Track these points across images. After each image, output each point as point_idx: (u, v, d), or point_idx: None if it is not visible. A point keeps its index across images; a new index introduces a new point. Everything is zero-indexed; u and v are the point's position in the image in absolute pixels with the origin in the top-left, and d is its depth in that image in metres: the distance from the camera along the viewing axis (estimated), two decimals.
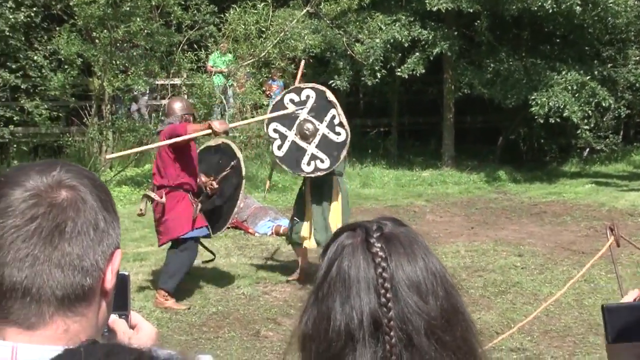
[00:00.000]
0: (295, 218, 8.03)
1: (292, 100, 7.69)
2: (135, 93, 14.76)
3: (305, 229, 7.88)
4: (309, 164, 7.60)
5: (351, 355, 1.28)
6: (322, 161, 7.57)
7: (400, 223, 1.40)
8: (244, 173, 7.91)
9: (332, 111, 7.66)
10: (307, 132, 7.62)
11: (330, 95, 7.72)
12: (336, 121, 7.65)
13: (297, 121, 7.65)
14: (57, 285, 1.16)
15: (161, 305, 7.30)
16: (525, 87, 15.08)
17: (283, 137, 7.67)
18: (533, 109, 14.71)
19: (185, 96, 15.10)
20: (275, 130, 7.70)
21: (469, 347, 1.34)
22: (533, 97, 14.74)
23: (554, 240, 10.14)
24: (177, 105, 7.65)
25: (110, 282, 1.23)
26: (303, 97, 7.69)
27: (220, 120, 7.44)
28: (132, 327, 1.40)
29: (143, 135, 14.28)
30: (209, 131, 7.10)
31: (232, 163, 7.78)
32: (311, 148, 7.60)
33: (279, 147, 7.69)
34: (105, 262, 1.22)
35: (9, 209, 1.16)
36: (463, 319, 1.34)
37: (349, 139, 7.66)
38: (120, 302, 1.31)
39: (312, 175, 7.70)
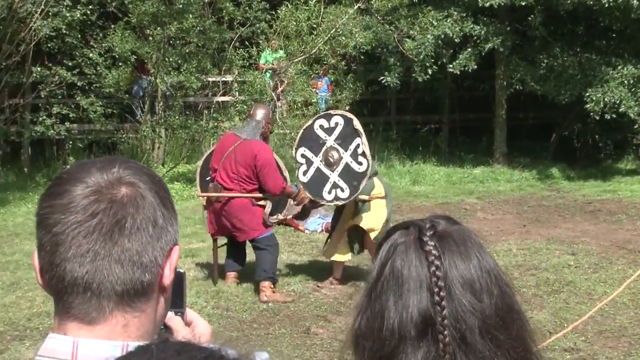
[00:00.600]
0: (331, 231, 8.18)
1: (321, 126, 7.71)
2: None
3: (332, 243, 8.02)
4: (330, 192, 7.62)
5: (404, 353, 1.28)
6: (342, 190, 7.57)
7: (454, 221, 1.40)
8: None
9: (357, 140, 7.59)
10: (331, 159, 7.62)
11: (357, 124, 7.64)
12: (359, 150, 7.57)
13: (324, 147, 7.65)
14: (117, 281, 1.18)
15: (272, 299, 7.52)
16: (579, 82, 14.83)
17: (309, 163, 7.70)
18: (588, 105, 14.46)
19: (237, 93, 15.22)
20: (302, 155, 7.75)
21: (524, 346, 1.33)
22: (588, 94, 14.49)
23: (608, 238, 9.97)
24: (260, 112, 7.88)
25: (168, 278, 1.24)
26: (332, 124, 7.68)
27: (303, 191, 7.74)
28: (187, 324, 1.42)
29: (195, 132, 14.42)
30: (297, 198, 7.87)
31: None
32: (334, 176, 7.60)
33: (304, 173, 7.73)
34: (164, 258, 1.23)
35: (71, 205, 1.18)
36: (518, 317, 1.33)
37: (369, 170, 7.57)
38: (176, 299, 1.32)
39: (332, 203, 7.81)
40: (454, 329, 1.27)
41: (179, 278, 1.28)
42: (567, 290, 7.75)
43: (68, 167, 1.29)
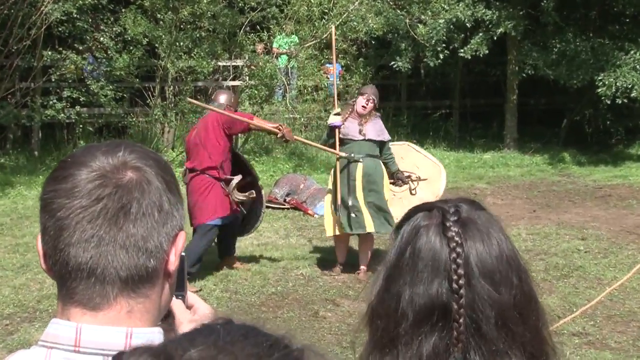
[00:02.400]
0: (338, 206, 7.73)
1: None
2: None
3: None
4: None
5: (418, 337, 1.27)
6: None
7: (478, 205, 1.38)
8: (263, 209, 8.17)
9: None
10: None
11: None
12: None
13: None
14: (122, 267, 1.17)
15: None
16: (591, 67, 14.72)
17: None
18: (600, 89, 14.36)
19: (247, 77, 15.20)
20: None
21: (539, 340, 1.32)
22: (600, 78, 14.39)
23: (619, 224, 9.94)
24: (223, 97, 7.83)
25: (173, 264, 1.23)
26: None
27: (289, 128, 7.58)
28: (188, 307, 1.42)
29: None
30: (277, 132, 7.32)
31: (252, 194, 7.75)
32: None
33: None
34: (169, 243, 1.22)
35: (75, 190, 1.16)
36: (536, 308, 1.32)
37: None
38: (177, 282, 1.32)
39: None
40: (469, 318, 1.26)
41: (180, 261, 1.28)
42: (576, 275, 7.74)
43: (73, 151, 1.28)
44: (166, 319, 1.25)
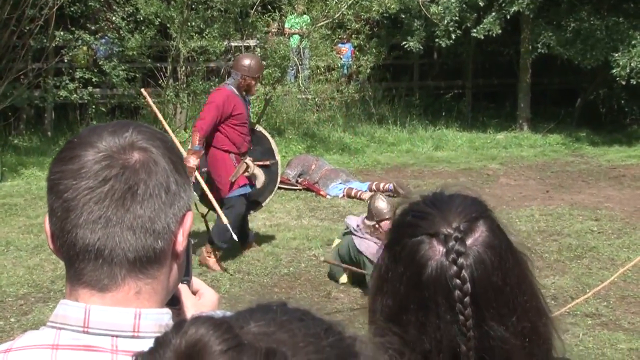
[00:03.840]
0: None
1: None
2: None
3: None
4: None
5: None
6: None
7: (481, 215, 1.31)
8: (278, 178, 8.13)
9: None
10: None
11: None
12: None
13: None
14: (129, 248, 1.17)
15: (203, 262, 7.41)
16: (606, 47, 14.60)
17: None
18: (614, 70, 14.25)
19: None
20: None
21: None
22: (614, 58, 14.27)
23: (633, 204, 9.89)
24: (249, 66, 7.61)
25: (181, 244, 1.23)
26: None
27: (192, 157, 7.24)
28: (194, 292, 1.41)
29: None
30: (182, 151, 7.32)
31: (271, 162, 7.88)
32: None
33: None
34: (177, 224, 1.21)
35: (82, 171, 1.16)
36: (545, 331, 1.28)
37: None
38: (182, 267, 1.31)
39: None
40: (479, 358, 1.23)
41: (186, 246, 1.27)
42: (589, 255, 7.72)
43: (80, 132, 1.27)
44: (172, 304, 1.24)
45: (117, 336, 1.15)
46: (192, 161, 7.12)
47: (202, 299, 1.41)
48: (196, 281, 1.42)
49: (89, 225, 1.16)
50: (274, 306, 0.81)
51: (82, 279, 1.19)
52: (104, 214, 1.15)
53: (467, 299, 1.22)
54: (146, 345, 1.14)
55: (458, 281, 1.23)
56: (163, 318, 1.19)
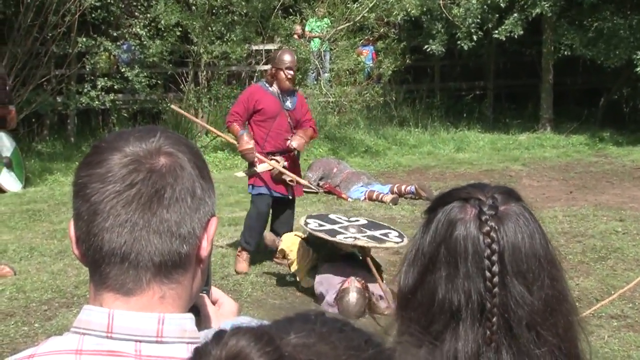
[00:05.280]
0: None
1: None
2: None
3: None
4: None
5: (452, 333, 1.27)
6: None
7: (514, 196, 1.36)
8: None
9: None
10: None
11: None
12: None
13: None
14: (155, 252, 1.17)
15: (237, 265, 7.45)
16: (629, 45, 14.48)
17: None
18: (638, 68, 14.13)
19: None
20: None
21: (571, 342, 1.30)
22: (638, 57, 14.14)
23: None
24: (277, 57, 7.48)
25: (205, 249, 1.23)
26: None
27: (249, 147, 7.26)
28: (213, 302, 1.41)
29: None
30: (232, 142, 7.27)
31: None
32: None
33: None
34: (202, 229, 1.22)
35: (109, 174, 1.17)
36: (567, 307, 1.30)
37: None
38: None
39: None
40: (502, 317, 1.25)
41: None
42: (614, 257, 7.64)
43: (107, 136, 1.28)
44: (191, 313, 1.24)
45: (140, 341, 1.15)
46: (245, 144, 7.17)
47: (221, 309, 1.41)
48: (215, 290, 1.42)
49: (116, 229, 1.16)
50: (312, 316, 0.80)
51: (106, 282, 1.19)
52: (130, 217, 1.16)
53: (495, 256, 1.26)
54: (170, 350, 1.15)
55: (488, 240, 1.27)
56: (186, 323, 1.19)
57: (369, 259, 6.50)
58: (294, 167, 7.64)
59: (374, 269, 6.45)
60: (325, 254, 6.75)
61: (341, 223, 6.85)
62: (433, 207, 1.36)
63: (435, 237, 1.32)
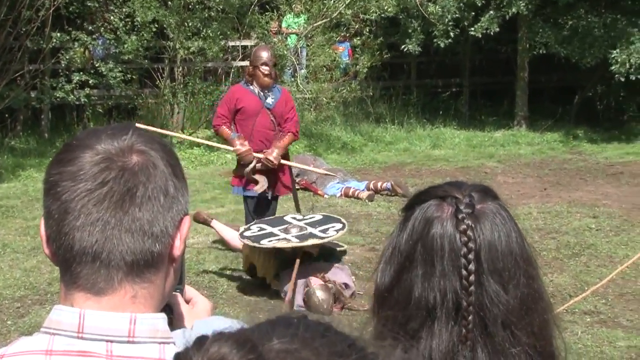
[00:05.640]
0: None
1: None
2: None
3: None
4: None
5: (427, 331, 1.27)
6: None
7: (491, 194, 1.37)
8: None
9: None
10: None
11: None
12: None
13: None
14: (127, 251, 1.15)
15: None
16: (604, 44, 14.59)
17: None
18: (613, 67, 14.24)
19: None
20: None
21: (545, 340, 1.30)
22: (613, 56, 14.26)
23: (631, 201, 9.90)
24: (253, 54, 7.44)
25: (178, 248, 1.22)
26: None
27: (247, 151, 7.15)
28: (187, 300, 1.40)
29: (217, 98, 14.36)
30: (231, 148, 7.18)
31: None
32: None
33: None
34: (175, 228, 1.20)
35: (81, 173, 1.15)
36: (542, 306, 1.31)
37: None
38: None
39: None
40: (477, 316, 1.26)
41: None
42: (587, 253, 7.71)
43: (78, 133, 1.26)
44: (165, 312, 1.23)
45: (112, 341, 1.13)
46: (242, 147, 7.08)
47: (195, 307, 1.40)
48: (189, 289, 1.41)
49: (87, 228, 1.15)
50: (295, 319, 0.79)
51: (77, 282, 1.17)
52: (102, 216, 1.14)
53: (471, 255, 1.26)
54: (142, 350, 1.13)
55: (464, 238, 1.27)
56: (158, 323, 1.17)
57: (297, 260, 6.45)
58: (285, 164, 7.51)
59: (295, 270, 6.39)
60: (283, 259, 6.71)
61: (285, 225, 6.80)
62: (410, 205, 1.36)
63: (412, 235, 1.32)
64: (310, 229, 6.70)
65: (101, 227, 1.15)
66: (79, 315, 1.15)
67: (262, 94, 7.31)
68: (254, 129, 7.26)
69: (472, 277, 1.25)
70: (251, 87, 7.32)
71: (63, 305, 1.18)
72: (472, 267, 1.25)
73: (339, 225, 6.79)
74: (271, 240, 6.51)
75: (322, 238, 6.56)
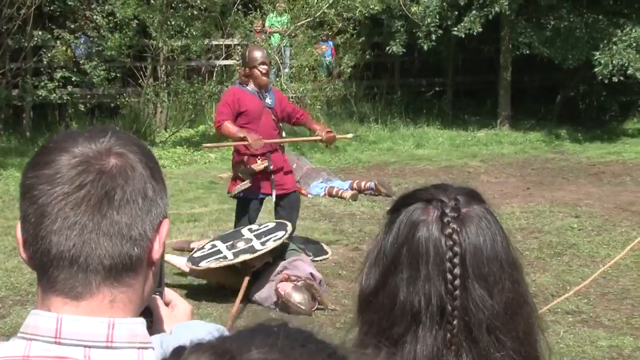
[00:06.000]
0: None
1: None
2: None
3: None
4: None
5: (412, 336, 1.26)
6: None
7: (476, 197, 1.36)
8: None
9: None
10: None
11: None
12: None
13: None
14: (105, 255, 1.14)
15: None
16: (586, 45, 14.67)
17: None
18: (596, 69, 14.33)
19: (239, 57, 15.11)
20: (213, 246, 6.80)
21: (530, 345, 1.30)
22: (596, 57, 14.34)
23: (612, 201, 9.94)
24: (247, 56, 7.30)
25: (157, 252, 1.20)
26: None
27: (257, 136, 7.07)
28: (166, 303, 1.38)
29: (201, 97, 14.33)
30: (244, 143, 7.02)
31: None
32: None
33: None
34: (153, 231, 1.19)
35: (57, 176, 1.13)
36: (527, 310, 1.31)
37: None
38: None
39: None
40: (462, 321, 1.25)
41: None
42: (570, 253, 7.74)
43: (55, 136, 1.24)
44: (145, 315, 1.22)
45: (90, 346, 1.12)
46: (255, 135, 6.93)
47: (175, 310, 1.39)
48: (169, 292, 1.40)
49: (64, 232, 1.13)
50: (274, 328, 0.77)
51: (55, 286, 1.15)
52: (79, 219, 1.13)
53: (456, 259, 1.25)
54: (120, 355, 1.12)
55: (450, 242, 1.26)
56: (137, 328, 1.16)
57: (246, 278, 6.33)
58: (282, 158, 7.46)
59: (241, 293, 6.23)
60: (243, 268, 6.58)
61: (234, 240, 6.67)
62: (395, 208, 1.35)
63: (397, 239, 1.31)
64: (254, 241, 6.56)
65: (79, 231, 1.13)
66: (56, 320, 1.13)
67: (260, 94, 7.27)
68: (259, 131, 7.11)
69: (457, 282, 1.25)
70: (248, 88, 7.27)
71: (40, 310, 1.16)
72: (457, 271, 1.25)
73: (281, 233, 6.60)
74: (209, 261, 6.41)
75: (254, 252, 6.36)
